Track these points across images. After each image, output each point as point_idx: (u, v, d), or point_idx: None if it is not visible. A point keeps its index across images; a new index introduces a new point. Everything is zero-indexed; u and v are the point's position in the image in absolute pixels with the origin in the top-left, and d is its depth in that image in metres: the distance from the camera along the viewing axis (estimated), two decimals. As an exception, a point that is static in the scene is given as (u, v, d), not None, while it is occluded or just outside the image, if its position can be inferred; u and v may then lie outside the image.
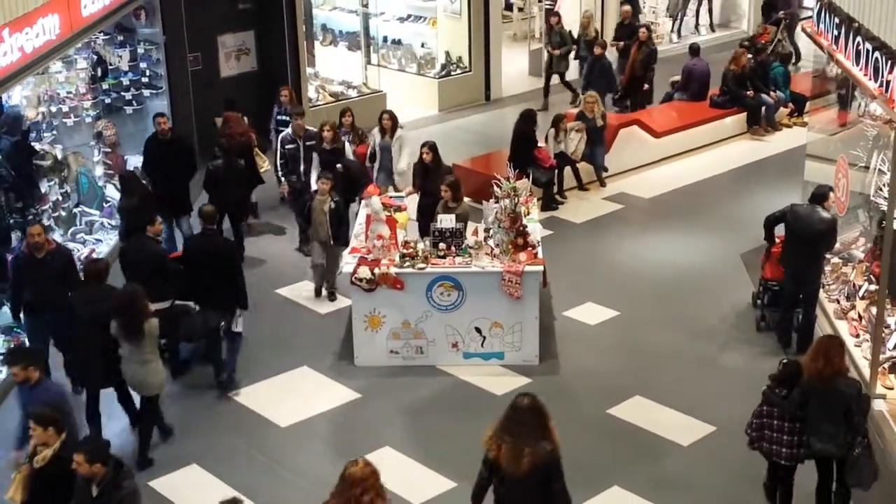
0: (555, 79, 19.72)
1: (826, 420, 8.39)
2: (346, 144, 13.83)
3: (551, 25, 19.70)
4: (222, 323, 10.78)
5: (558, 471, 7.27)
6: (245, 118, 14.88)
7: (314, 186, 13.00)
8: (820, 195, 11.26)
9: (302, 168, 13.79)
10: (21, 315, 10.65)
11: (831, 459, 8.58)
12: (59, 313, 10.18)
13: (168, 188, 13.17)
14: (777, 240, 11.70)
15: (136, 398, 10.00)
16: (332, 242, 12.40)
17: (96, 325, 9.48)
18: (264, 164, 14.83)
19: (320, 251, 12.52)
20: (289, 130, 13.98)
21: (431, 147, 13.18)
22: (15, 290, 10.54)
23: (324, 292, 12.78)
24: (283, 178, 14.12)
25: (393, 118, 14.02)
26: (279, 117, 15.21)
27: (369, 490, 6.70)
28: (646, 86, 18.25)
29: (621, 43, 19.23)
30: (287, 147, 13.88)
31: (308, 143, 13.72)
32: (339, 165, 13.26)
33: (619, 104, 18.39)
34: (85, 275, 10.33)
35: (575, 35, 19.72)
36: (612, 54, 19.07)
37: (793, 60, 20.36)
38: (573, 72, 20.22)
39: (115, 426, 10.30)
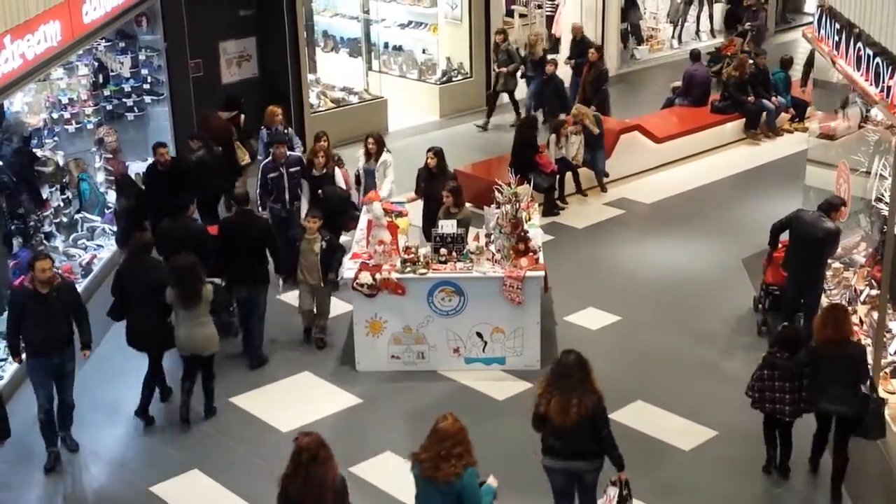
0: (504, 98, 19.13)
1: (836, 383, 8.85)
2: (337, 171, 13.30)
3: (497, 43, 18.99)
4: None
5: (604, 419, 7.91)
6: (242, 118, 15.21)
7: (304, 213, 12.46)
8: (830, 206, 11.16)
9: (287, 197, 12.98)
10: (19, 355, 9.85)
11: (839, 421, 9.01)
12: (67, 352, 9.71)
13: (162, 214, 12.14)
14: (780, 245, 11.69)
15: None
16: (322, 284, 11.60)
17: (151, 295, 10.23)
18: (245, 157, 14.86)
19: (309, 297, 11.68)
20: (270, 158, 13.09)
21: (437, 153, 13.18)
22: (14, 328, 9.65)
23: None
24: (263, 208, 13.12)
25: (378, 142, 13.57)
26: (269, 140, 14.17)
27: (459, 444, 7.19)
28: (593, 107, 16.90)
29: (573, 61, 18.99)
30: (270, 176, 12.95)
31: (291, 170, 12.96)
32: (318, 191, 12.85)
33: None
34: (132, 249, 10.73)
35: (523, 53, 19.14)
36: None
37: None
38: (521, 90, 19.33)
39: (117, 432, 10.31)
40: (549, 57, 18.82)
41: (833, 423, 9.16)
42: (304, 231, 11.58)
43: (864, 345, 9.18)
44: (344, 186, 13.28)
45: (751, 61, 18.15)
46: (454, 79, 19.93)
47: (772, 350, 9.31)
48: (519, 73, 18.99)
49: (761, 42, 21.54)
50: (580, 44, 19.30)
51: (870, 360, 9.81)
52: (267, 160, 13.11)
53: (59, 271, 10.11)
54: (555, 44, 22.72)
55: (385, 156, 13.46)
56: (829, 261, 12.24)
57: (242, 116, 15.55)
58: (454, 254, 11.22)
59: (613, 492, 8.15)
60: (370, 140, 13.57)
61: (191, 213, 11.88)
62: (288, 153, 13.04)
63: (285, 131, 14.58)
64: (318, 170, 13.08)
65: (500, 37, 18.96)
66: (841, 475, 9.13)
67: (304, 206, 12.80)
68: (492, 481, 7.58)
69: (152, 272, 10.40)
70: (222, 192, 13.82)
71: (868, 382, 9.12)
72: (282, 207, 12.99)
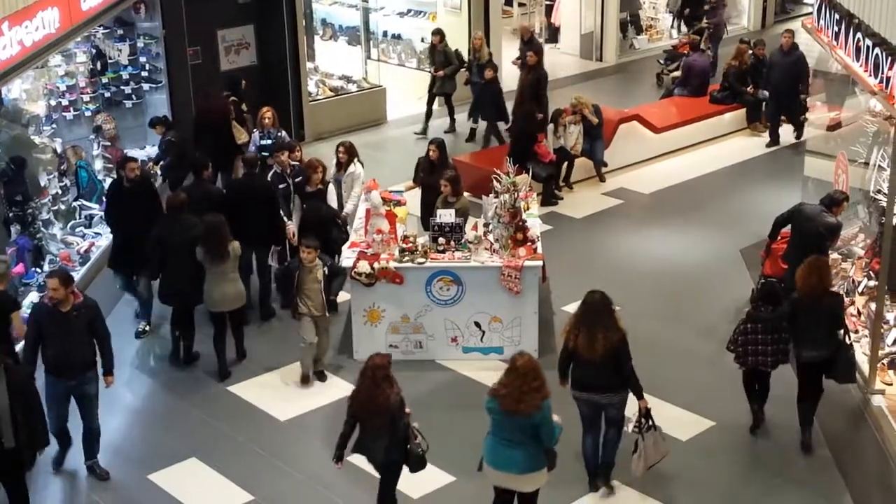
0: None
1: (815, 330, 9.51)
2: (330, 189, 12.34)
3: (434, 44, 17.95)
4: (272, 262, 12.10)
5: (627, 353, 8.68)
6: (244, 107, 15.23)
7: (291, 227, 11.92)
8: (832, 201, 11.13)
9: (291, 208, 12.29)
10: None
11: (814, 366, 9.64)
12: (87, 375, 9.23)
13: (134, 238, 11.32)
14: (779, 237, 11.67)
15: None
16: (326, 314, 10.85)
17: (185, 251, 10.81)
18: (242, 136, 14.79)
19: (311, 328, 10.71)
20: (276, 168, 12.34)
21: (438, 145, 13.16)
22: (32, 347, 9.16)
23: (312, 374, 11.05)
24: (285, 219, 12.30)
25: (348, 151, 12.80)
26: (262, 142, 13.86)
27: (537, 378, 7.90)
28: (539, 115, 15.84)
29: (520, 62, 17.87)
30: (280, 187, 12.19)
31: (297, 181, 12.20)
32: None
33: (512, 131, 16.27)
34: (169, 207, 11.31)
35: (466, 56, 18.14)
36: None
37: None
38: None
39: (116, 421, 10.31)
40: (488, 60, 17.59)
41: (814, 375, 9.75)
42: (300, 263, 10.63)
43: (840, 296, 9.91)
44: (335, 205, 12.32)
45: (750, 52, 18.11)
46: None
47: (755, 305, 9.85)
48: (464, 80, 17.94)
49: (719, 40, 21.03)
50: (529, 45, 18.28)
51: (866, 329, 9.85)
52: (277, 171, 12.34)
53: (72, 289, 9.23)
54: (553, 33, 22.72)
55: (353, 167, 12.73)
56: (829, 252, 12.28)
57: (243, 104, 15.46)
58: (452, 243, 11.22)
59: (634, 418, 8.93)
60: (340, 148, 12.90)
61: (208, 174, 12.38)
62: (296, 164, 12.44)
63: (279, 133, 14.06)
64: (312, 186, 12.19)
65: (436, 38, 17.92)
66: (814, 405, 9.83)
67: (294, 221, 12.08)
68: (557, 419, 8.13)
69: (187, 230, 10.89)
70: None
71: (843, 331, 9.69)
72: (289, 219, 12.30)
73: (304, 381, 10.92)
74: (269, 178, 12.24)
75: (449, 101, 18.22)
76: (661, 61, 20.63)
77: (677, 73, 19.05)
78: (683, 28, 22.52)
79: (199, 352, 11.34)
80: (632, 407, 8.98)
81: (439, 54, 17.89)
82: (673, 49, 20.48)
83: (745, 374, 10.03)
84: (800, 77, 16.70)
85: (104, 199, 12.34)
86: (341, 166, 12.78)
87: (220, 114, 14.65)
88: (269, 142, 13.69)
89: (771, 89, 17.23)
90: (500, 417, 7.98)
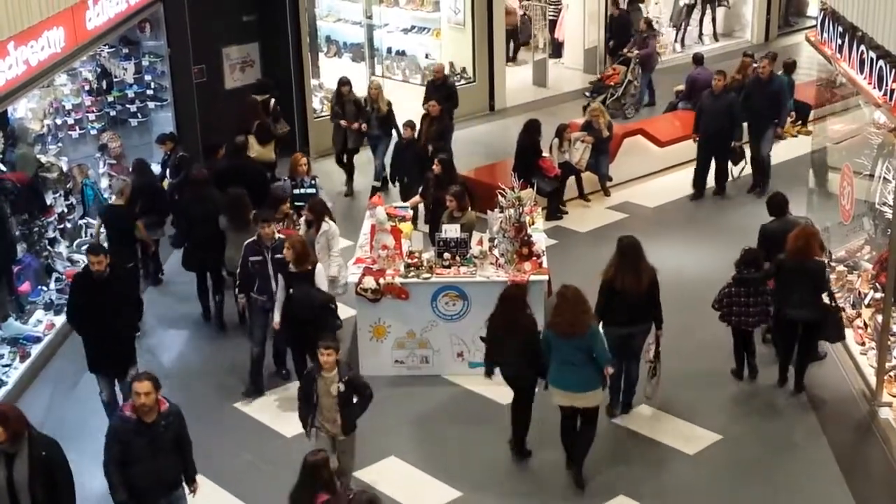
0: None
1: (797, 291, 10.36)
2: (319, 269, 10.69)
3: (342, 94, 16.03)
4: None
5: (658, 286, 10.11)
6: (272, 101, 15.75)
7: (276, 318, 10.62)
8: (779, 207, 11.63)
9: (273, 285, 10.77)
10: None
11: (804, 327, 10.50)
12: (175, 495, 8.25)
13: (108, 340, 9.93)
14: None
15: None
16: (343, 435, 9.07)
17: (207, 222, 11.91)
18: (283, 127, 15.54)
19: (329, 447, 8.96)
20: (254, 238, 11.01)
21: (441, 161, 13.23)
22: (117, 469, 7.86)
23: None
24: (242, 293, 11.15)
25: (314, 210, 11.69)
26: (297, 191, 12.99)
27: (584, 302, 9.22)
28: (436, 168, 13.40)
29: (439, 107, 15.58)
30: (251, 259, 10.87)
31: (277, 256, 10.75)
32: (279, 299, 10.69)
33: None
34: (193, 182, 12.52)
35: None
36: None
37: (647, 102, 19.81)
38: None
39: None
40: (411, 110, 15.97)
41: (800, 331, 10.62)
42: (318, 366, 9.02)
43: (824, 262, 10.69)
44: (325, 287, 10.70)
45: (754, 65, 18.11)
46: (457, 83, 19.91)
47: (739, 269, 10.74)
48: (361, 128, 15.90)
49: (651, 70, 19.99)
50: (442, 88, 16.44)
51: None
52: (251, 240, 11.00)
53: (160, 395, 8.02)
54: (557, 48, 22.75)
55: (326, 225, 11.58)
56: (833, 264, 12.28)
57: (273, 100, 15.88)
58: (458, 258, 11.22)
59: (652, 348, 10.24)
60: (306, 209, 11.90)
61: (219, 155, 13.45)
62: (278, 235, 10.99)
63: (312, 181, 13.28)
64: (298, 266, 10.44)
65: (345, 87, 16.00)
66: (804, 369, 10.72)
67: (277, 308, 10.66)
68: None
69: (209, 203, 12.06)
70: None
71: (827, 293, 10.57)
72: (268, 299, 10.87)
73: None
74: (244, 248, 10.97)
75: (352, 156, 16.32)
76: (587, 94, 19.67)
77: (681, 88, 19.05)
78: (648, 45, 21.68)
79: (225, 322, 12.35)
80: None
81: (349, 104, 16.04)
82: (599, 80, 19.82)
83: (734, 335, 10.98)
84: (772, 105, 15.69)
85: (69, 295, 10.31)
86: (311, 224, 11.72)
87: (249, 115, 15.21)
88: (303, 190, 12.99)
89: (749, 116, 15.82)
90: (558, 343, 9.15)
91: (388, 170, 15.44)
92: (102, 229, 12.32)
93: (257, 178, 13.20)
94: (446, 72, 19.56)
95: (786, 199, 11.76)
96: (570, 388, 9.23)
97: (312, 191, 13.04)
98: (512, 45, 22.56)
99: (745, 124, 15.88)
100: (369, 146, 16.09)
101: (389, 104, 15.93)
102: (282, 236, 11.00)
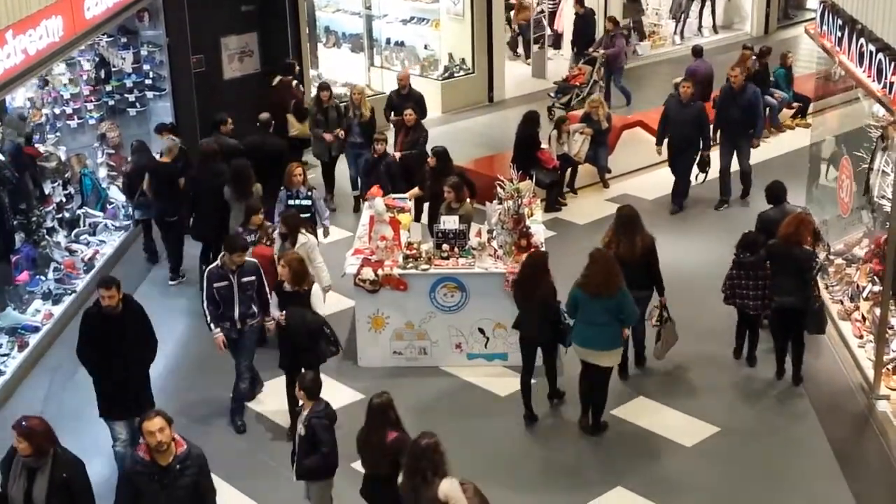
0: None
1: (784, 277, 10.50)
2: (316, 290, 10.43)
3: (322, 100, 15.13)
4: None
5: (656, 255, 10.66)
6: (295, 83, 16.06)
7: (273, 318, 10.04)
8: (776, 197, 11.66)
9: (236, 312, 10.02)
10: None
11: (790, 314, 10.57)
12: None
13: (123, 381, 9.17)
14: None
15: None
16: (296, 478, 8.49)
17: (214, 194, 12.22)
18: (293, 129, 15.37)
19: (305, 486, 8.62)
20: (218, 263, 10.15)
21: (437, 154, 13.19)
22: None
23: None
24: (212, 323, 10.09)
25: (287, 223, 11.06)
26: (291, 202, 12.24)
27: (615, 265, 9.77)
28: (431, 161, 13.25)
29: (414, 116, 14.67)
30: (216, 286, 10.00)
31: (245, 280, 9.97)
32: (274, 317, 10.06)
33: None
34: (203, 155, 12.81)
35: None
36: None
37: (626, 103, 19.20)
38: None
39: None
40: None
41: (790, 322, 10.71)
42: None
43: (811, 250, 10.66)
44: (320, 310, 10.41)
45: (754, 58, 18.10)
46: (456, 74, 19.91)
47: (736, 253, 10.89)
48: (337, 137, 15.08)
49: (620, 70, 19.42)
50: (409, 97, 15.50)
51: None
52: (214, 265, 10.19)
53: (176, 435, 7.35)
54: (556, 39, 22.70)
55: (303, 238, 11.08)
56: (832, 258, 12.28)
57: (295, 82, 16.18)
58: (456, 249, 11.22)
59: (656, 312, 10.75)
60: (279, 222, 11.38)
61: (227, 129, 13.67)
62: (245, 259, 10.07)
63: (308, 193, 12.36)
64: (292, 285, 9.98)
65: (325, 93, 15.15)
66: (800, 360, 10.78)
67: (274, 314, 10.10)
68: None
69: (217, 176, 12.40)
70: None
71: (812, 283, 10.65)
72: (231, 327, 10.07)
73: None
74: (206, 274, 10.22)
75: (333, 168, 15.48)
76: (552, 94, 19.00)
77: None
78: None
79: None
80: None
81: (332, 110, 15.18)
82: (564, 81, 19.17)
83: (738, 319, 11.15)
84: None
85: (79, 332, 9.35)
86: (285, 239, 11.10)
87: (277, 102, 15.52)
88: (299, 202, 12.19)
89: (724, 129, 15.14)
90: (586, 303, 9.68)
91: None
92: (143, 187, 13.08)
93: (278, 153, 13.61)
94: (445, 63, 19.73)
95: (784, 187, 11.79)
96: (593, 347, 9.79)
97: (308, 202, 12.24)
98: (521, 41, 22.25)
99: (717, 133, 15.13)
100: (351, 155, 15.03)
101: (373, 110, 15.22)
102: (253, 259, 10.20)
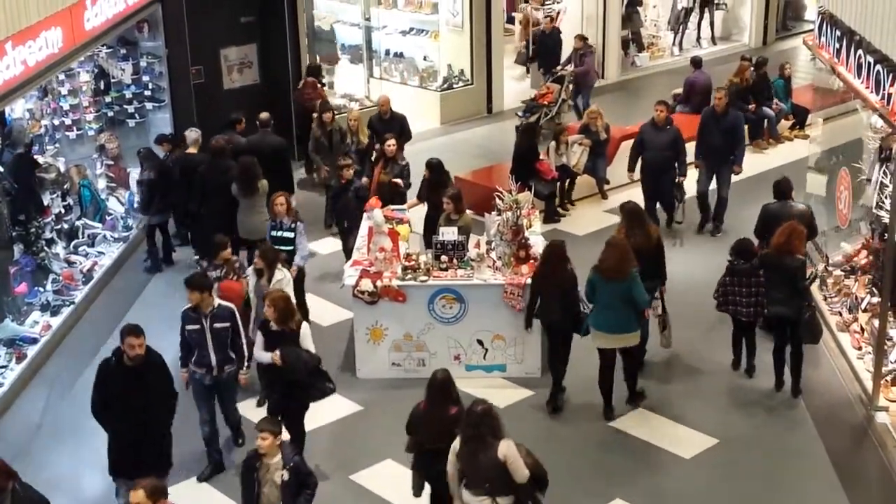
0: None
1: (775, 287, 10.56)
2: (304, 328, 9.42)
3: (325, 122, 14.70)
4: None
5: (663, 247, 11.14)
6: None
7: (267, 358, 9.33)
8: (783, 192, 11.81)
9: (212, 359, 9.46)
10: None
11: (785, 324, 10.62)
12: None
13: (138, 439, 8.64)
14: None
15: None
16: None
17: (222, 190, 12.60)
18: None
19: None
20: (190, 305, 9.50)
21: (428, 165, 13.14)
22: None
23: None
24: (184, 366, 9.64)
25: (265, 257, 10.48)
26: (273, 233, 11.59)
27: (629, 251, 10.23)
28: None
29: (395, 145, 13.69)
30: (189, 328, 9.45)
31: (217, 326, 9.40)
32: (272, 356, 9.30)
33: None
34: (212, 152, 13.18)
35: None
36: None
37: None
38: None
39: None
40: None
41: (786, 332, 10.72)
42: (256, 451, 8.07)
43: (803, 259, 10.66)
44: (312, 348, 9.47)
45: (752, 69, 18.15)
46: (455, 86, 19.93)
47: (730, 259, 10.91)
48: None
49: (589, 88, 19.04)
50: (392, 122, 14.85)
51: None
52: (187, 307, 9.51)
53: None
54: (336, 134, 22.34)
55: (279, 273, 10.47)
56: (829, 269, 12.29)
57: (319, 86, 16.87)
58: (455, 261, 11.23)
59: (657, 303, 10.95)
60: (257, 254, 10.62)
61: (241, 128, 14.27)
62: (218, 303, 9.50)
63: (291, 224, 11.59)
64: (279, 324, 9.33)
65: (328, 115, 14.69)
66: (799, 372, 10.78)
67: (260, 353, 9.50)
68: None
69: (225, 172, 12.76)
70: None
71: (804, 288, 10.70)
72: (206, 372, 9.55)
73: None
74: (181, 316, 9.59)
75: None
76: (520, 114, 18.41)
77: (678, 92, 19.03)
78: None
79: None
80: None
81: (335, 133, 14.80)
82: (532, 100, 18.76)
83: (734, 328, 11.17)
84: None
85: (95, 387, 8.74)
86: (261, 275, 10.52)
87: (303, 107, 16.43)
88: (281, 233, 11.55)
89: (706, 151, 14.71)
90: (602, 286, 10.09)
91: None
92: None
93: (278, 152, 13.96)
94: (444, 74, 19.74)
95: (790, 184, 11.92)
96: (611, 330, 10.15)
97: (290, 234, 11.48)
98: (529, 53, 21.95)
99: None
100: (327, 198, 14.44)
101: (371, 137, 14.75)
102: (222, 303, 9.57)
